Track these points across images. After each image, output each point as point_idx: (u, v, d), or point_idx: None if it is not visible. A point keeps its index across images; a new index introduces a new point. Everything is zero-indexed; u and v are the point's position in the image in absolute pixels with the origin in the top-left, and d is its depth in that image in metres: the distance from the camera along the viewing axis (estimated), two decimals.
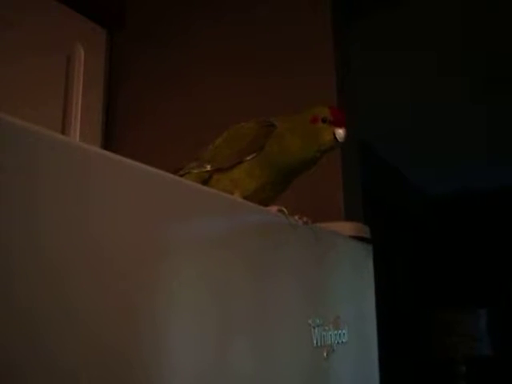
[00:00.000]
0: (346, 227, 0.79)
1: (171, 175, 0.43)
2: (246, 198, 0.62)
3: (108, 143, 1.33)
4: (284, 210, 0.60)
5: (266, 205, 0.62)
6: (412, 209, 3.51)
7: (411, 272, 3.32)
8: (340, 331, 0.66)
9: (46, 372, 0.29)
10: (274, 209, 0.60)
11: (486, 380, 3.15)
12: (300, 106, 1.10)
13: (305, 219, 0.63)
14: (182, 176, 0.67)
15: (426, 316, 3.03)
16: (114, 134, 1.35)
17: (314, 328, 0.59)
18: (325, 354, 0.61)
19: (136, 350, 0.35)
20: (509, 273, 3.41)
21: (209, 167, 0.67)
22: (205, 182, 0.66)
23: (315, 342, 0.59)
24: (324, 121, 0.64)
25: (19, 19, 1.14)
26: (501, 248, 3.47)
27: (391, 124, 2.55)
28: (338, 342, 0.65)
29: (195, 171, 0.68)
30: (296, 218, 0.61)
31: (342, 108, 1.09)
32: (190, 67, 1.30)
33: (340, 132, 0.64)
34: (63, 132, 1.21)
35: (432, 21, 1.72)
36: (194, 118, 1.25)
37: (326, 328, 0.62)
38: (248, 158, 0.64)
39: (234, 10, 1.27)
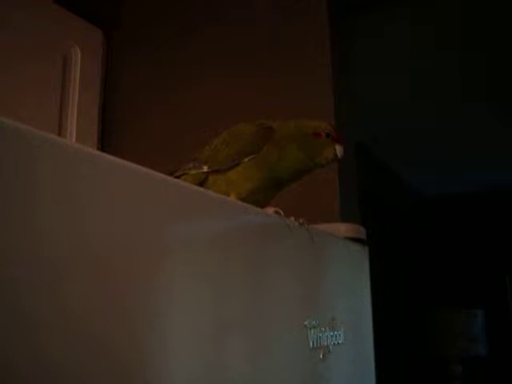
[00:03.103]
0: (342, 228, 0.79)
1: (168, 177, 0.43)
2: (241, 199, 0.62)
3: (104, 144, 1.33)
4: (280, 211, 0.60)
5: (262, 206, 0.62)
6: (408, 210, 3.52)
7: (407, 272, 3.32)
8: (336, 332, 0.66)
9: (45, 373, 0.29)
10: (270, 210, 0.60)
11: (481, 380, 3.16)
12: (298, 105, 1.11)
13: (301, 220, 0.63)
14: (178, 177, 0.68)
15: (422, 316, 3.03)
16: (110, 135, 1.34)
17: (310, 329, 0.59)
18: (321, 355, 0.61)
19: (134, 351, 0.35)
20: (505, 273, 3.42)
21: (206, 168, 0.67)
22: (201, 183, 0.66)
23: (311, 343, 0.59)
24: (327, 136, 0.66)
25: (15, 20, 1.13)
26: (497, 249, 3.48)
27: (388, 125, 2.56)
28: (334, 343, 0.65)
29: (192, 172, 0.68)
30: (292, 219, 0.62)
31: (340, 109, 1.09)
32: (187, 68, 1.30)
33: (341, 149, 0.67)
34: (59, 133, 1.21)
35: (432, 20, 1.72)
36: (191, 118, 1.25)
37: (323, 329, 0.62)
38: (245, 160, 0.64)
39: (230, 11, 1.27)
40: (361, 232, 0.81)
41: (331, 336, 0.65)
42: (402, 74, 2.07)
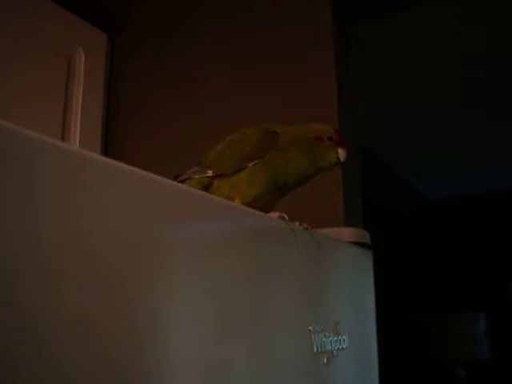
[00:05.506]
0: (346, 233, 0.79)
1: (172, 181, 0.43)
2: (246, 204, 0.62)
3: (108, 146, 1.33)
4: (285, 216, 0.60)
5: (267, 211, 0.62)
6: (412, 214, 3.51)
7: (411, 276, 3.31)
8: (340, 337, 0.66)
9: (45, 372, 0.29)
10: (274, 215, 0.60)
11: (484, 383, 3.15)
12: (301, 108, 1.11)
13: (305, 225, 0.63)
14: (183, 181, 0.68)
15: (425, 320, 3.02)
16: (114, 138, 1.35)
17: (314, 334, 0.59)
18: (325, 360, 0.61)
19: (135, 352, 0.35)
20: (507, 277, 3.41)
21: (210, 173, 0.67)
22: (206, 188, 0.66)
23: (315, 348, 0.59)
24: (329, 139, 0.65)
25: (20, 23, 1.14)
26: (499, 252, 3.47)
27: (392, 128, 2.55)
28: (338, 348, 0.65)
29: (196, 176, 0.68)
30: (296, 223, 0.62)
31: (343, 113, 1.09)
32: (191, 70, 1.30)
33: (343, 152, 0.66)
34: (63, 135, 1.21)
35: (432, 21, 1.72)
36: (195, 121, 1.25)
37: (327, 334, 0.62)
38: (250, 165, 0.64)
39: (233, 14, 1.27)
40: (365, 236, 0.81)
41: (335, 341, 0.64)
42: (405, 76, 2.07)
